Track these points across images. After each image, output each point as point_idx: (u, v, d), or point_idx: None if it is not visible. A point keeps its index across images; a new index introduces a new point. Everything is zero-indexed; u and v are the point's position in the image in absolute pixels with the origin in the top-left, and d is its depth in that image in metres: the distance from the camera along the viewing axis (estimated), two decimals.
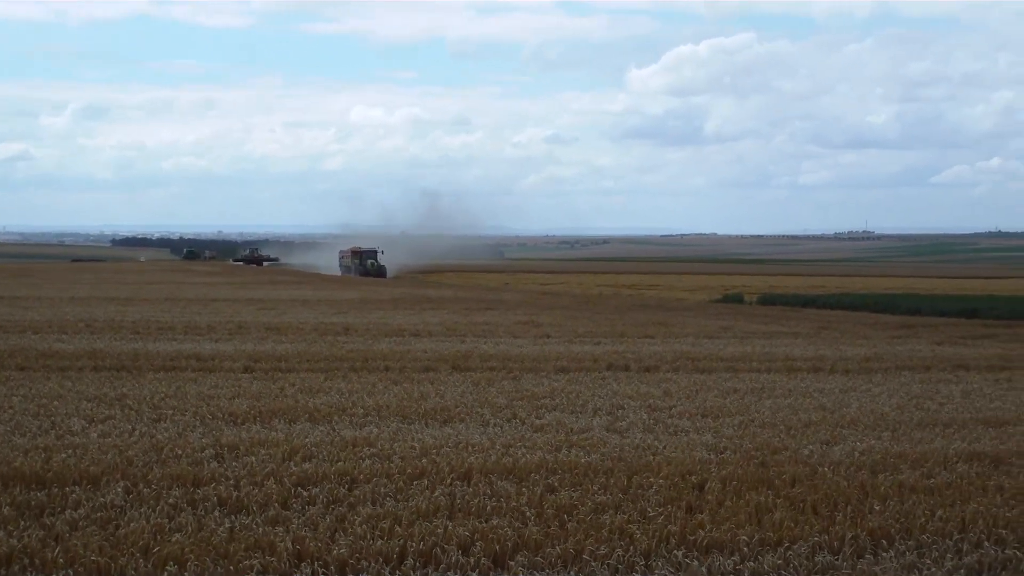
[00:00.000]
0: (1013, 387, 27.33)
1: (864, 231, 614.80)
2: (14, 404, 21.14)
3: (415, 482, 15.15)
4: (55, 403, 21.32)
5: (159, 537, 12.31)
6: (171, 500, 13.96)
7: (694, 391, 25.01)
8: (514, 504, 14.07)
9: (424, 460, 16.46)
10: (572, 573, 11.80)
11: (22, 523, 12.91)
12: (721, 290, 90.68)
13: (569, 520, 13.40)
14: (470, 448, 17.49)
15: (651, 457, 17.14)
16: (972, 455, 17.91)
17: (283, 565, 11.64)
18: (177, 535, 12.40)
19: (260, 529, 12.77)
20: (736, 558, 12.23)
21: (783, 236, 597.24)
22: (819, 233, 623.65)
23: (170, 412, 20.54)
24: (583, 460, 16.73)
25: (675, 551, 12.35)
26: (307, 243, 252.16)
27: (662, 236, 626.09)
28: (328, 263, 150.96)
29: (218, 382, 24.95)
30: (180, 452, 16.71)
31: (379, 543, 12.28)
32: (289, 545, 12.10)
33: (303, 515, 13.46)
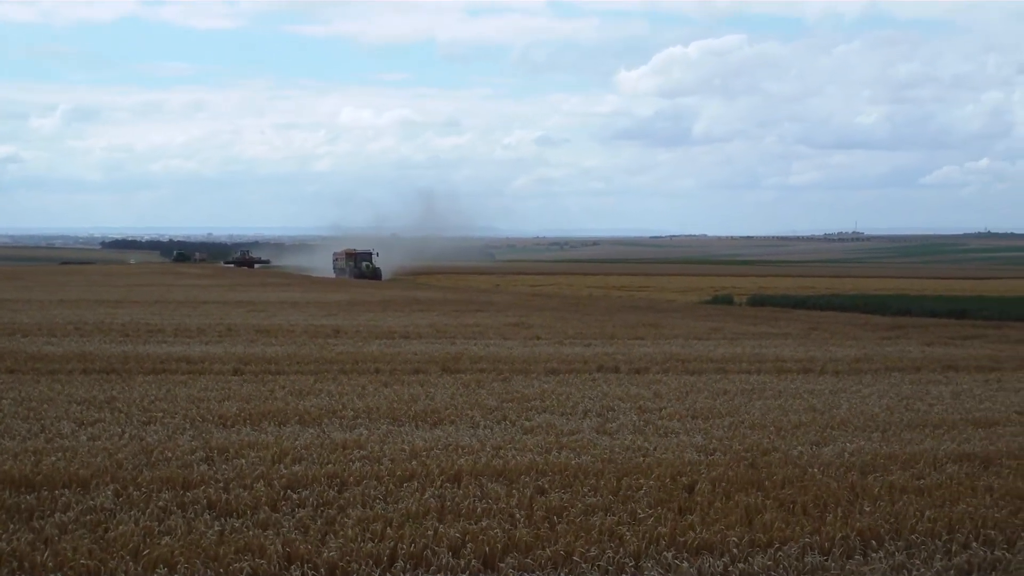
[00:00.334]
0: (1003, 388, 27.37)
1: (853, 232, 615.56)
2: (3, 407, 21.09)
3: (405, 484, 15.14)
4: (44, 406, 21.27)
5: (149, 540, 12.29)
6: (161, 503, 13.94)
7: (684, 392, 25.02)
8: (504, 506, 14.07)
9: (414, 462, 16.45)
10: (562, 575, 11.80)
11: (11, 526, 12.88)
12: (711, 291, 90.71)
13: (559, 522, 13.40)
14: (460, 450, 17.48)
15: (641, 459, 17.14)
16: (962, 456, 17.94)
17: (273, 568, 11.62)
18: (167, 538, 12.38)
19: (250, 532, 12.75)
20: (726, 559, 12.23)
21: (773, 237, 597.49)
22: (809, 234, 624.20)
23: (160, 415, 20.50)
24: (573, 462, 16.72)
25: (665, 552, 12.35)
26: (298, 245, 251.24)
27: (652, 237, 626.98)
28: (321, 265, 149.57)
29: (208, 384, 24.92)
30: (170, 455, 16.68)
31: (369, 545, 12.27)
32: (279, 548, 12.08)
33: (293, 517, 13.45)
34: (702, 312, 62.36)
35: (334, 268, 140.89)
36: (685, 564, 12.03)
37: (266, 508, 13.85)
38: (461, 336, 39.98)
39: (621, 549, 12.42)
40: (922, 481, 16.03)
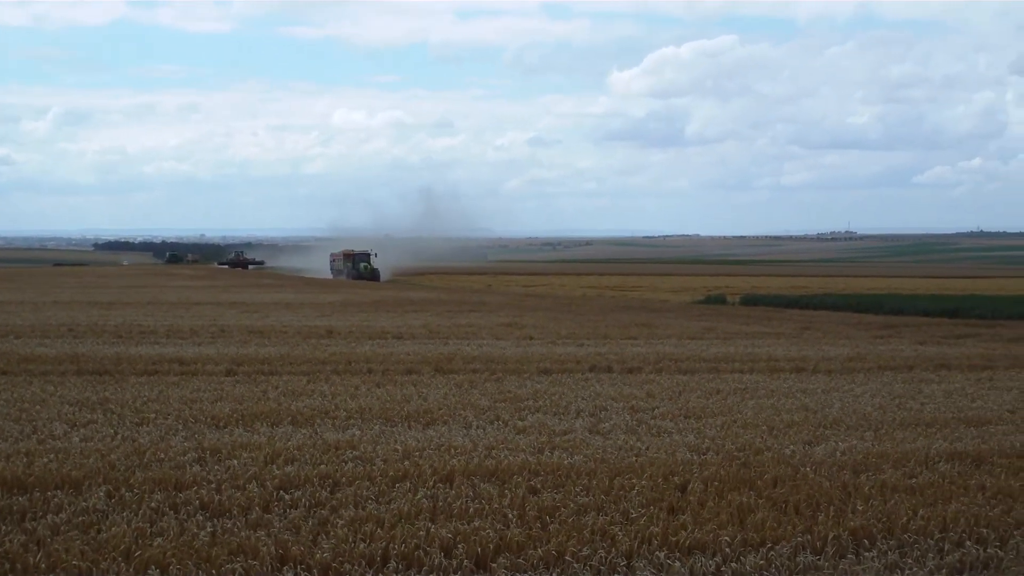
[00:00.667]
0: (995, 386, 27.39)
1: (846, 232, 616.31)
2: None
3: (397, 485, 15.13)
4: (37, 407, 21.25)
5: (141, 541, 12.27)
6: (153, 504, 13.92)
7: (677, 392, 25.02)
8: (496, 506, 14.06)
9: (406, 462, 16.45)
10: (554, 575, 11.80)
11: (3, 528, 12.86)
12: (704, 291, 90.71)
13: (551, 522, 13.40)
14: (453, 450, 17.48)
15: (634, 458, 17.14)
16: (954, 454, 17.96)
17: (265, 569, 11.62)
18: (159, 539, 12.37)
19: (242, 533, 12.73)
20: (718, 559, 12.24)
21: (765, 237, 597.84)
22: (801, 234, 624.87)
23: (152, 416, 20.48)
24: (566, 462, 16.72)
25: (657, 552, 12.36)
26: (293, 246, 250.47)
27: (645, 237, 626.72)
28: (318, 266, 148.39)
29: (200, 385, 24.90)
30: (162, 456, 16.67)
31: (362, 546, 12.26)
32: (271, 549, 12.07)
33: (285, 518, 13.44)
34: (695, 312, 62.38)
35: (331, 269, 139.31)
36: (677, 564, 12.03)
37: (259, 509, 13.84)
38: (454, 336, 39.98)
39: (613, 549, 12.42)
40: (914, 480, 16.04)
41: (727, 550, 12.49)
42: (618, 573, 11.84)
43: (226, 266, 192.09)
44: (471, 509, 13.91)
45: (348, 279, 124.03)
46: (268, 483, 15.02)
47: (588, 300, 76.87)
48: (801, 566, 12.13)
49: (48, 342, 35.16)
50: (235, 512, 13.71)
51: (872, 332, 46.27)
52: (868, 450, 18.26)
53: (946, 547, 12.85)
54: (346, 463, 16.42)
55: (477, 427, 19.94)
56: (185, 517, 13.43)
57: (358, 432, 19.13)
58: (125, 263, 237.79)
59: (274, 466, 16.11)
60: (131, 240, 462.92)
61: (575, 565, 11.95)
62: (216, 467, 16.05)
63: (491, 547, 12.34)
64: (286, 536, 12.61)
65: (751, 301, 74.51)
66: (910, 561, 12.34)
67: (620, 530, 13.05)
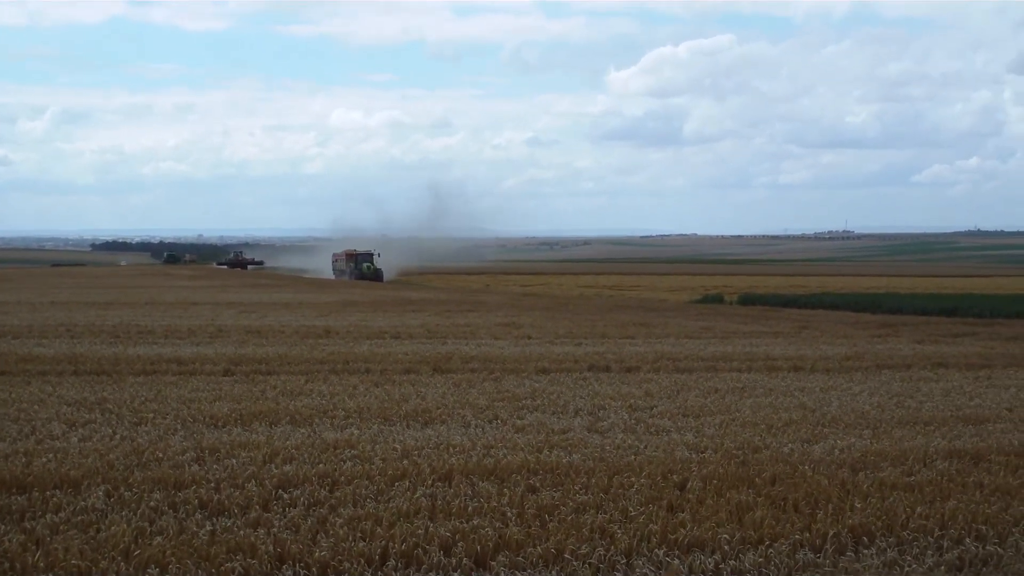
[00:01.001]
0: (993, 385, 27.40)
1: (844, 231, 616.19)
2: None
3: (396, 483, 15.14)
4: (35, 407, 21.25)
5: (140, 540, 12.28)
6: (152, 503, 13.93)
7: (675, 391, 25.03)
8: (495, 505, 14.07)
9: (405, 461, 16.45)
10: (553, 573, 11.80)
11: (2, 527, 12.87)
12: (702, 290, 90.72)
13: (550, 520, 13.40)
14: (451, 449, 17.48)
15: (632, 457, 17.14)
16: (952, 452, 17.97)
17: (264, 567, 11.62)
18: (158, 538, 12.37)
19: (241, 531, 12.74)
20: (717, 556, 12.24)
21: (763, 236, 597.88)
22: (799, 233, 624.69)
23: (151, 416, 20.49)
24: (564, 460, 16.72)
25: (656, 550, 12.36)
26: (294, 246, 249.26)
27: (642, 237, 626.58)
28: (320, 267, 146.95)
29: (199, 385, 24.90)
30: (161, 455, 16.67)
31: (360, 544, 12.27)
32: (270, 547, 12.08)
33: (284, 517, 13.44)
34: (693, 311, 62.39)
35: (334, 269, 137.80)
36: (676, 561, 12.03)
37: (257, 508, 13.85)
38: (452, 336, 39.99)
39: (612, 547, 12.42)
40: (913, 478, 16.05)
41: (726, 548, 12.50)
42: (617, 571, 11.84)
43: (225, 266, 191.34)
44: (470, 508, 13.92)
45: (351, 280, 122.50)
46: (267, 482, 15.02)
47: (586, 299, 76.88)
48: (800, 564, 12.14)
49: (46, 342, 35.16)
50: (234, 511, 13.71)
51: (870, 331, 46.27)
52: (866, 448, 18.26)
53: (945, 544, 12.87)
54: (345, 462, 16.42)
55: (475, 426, 19.95)
56: (184, 516, 13.44)
57: (356, 431, 19.13)
58: (123, 263, 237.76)
59: (272, 465, 16.12)
60: (129, 240, 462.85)
61: (574, 563, 11.95)
62: (215, 466, 16.06)
63: (490, 545, 12.34)
64: (285, 535, 12.61)
65: (749, 300, 74.50)
66: (909, 558, 12.34)
67: (619, 528, 13.05)
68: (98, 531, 12.67)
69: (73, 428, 19.09)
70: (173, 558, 11.66)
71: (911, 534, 13.20)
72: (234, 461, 16.32)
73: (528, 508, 13.91)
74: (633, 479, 15.46)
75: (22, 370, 27.30)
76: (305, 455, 16.88)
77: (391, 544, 12.28)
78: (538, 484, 15.26)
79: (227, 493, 14.44)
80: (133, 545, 12.07)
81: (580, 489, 14.98)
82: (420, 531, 12.75)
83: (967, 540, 12.97)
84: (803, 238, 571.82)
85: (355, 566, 11.69)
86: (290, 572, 11.52)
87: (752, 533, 13.02)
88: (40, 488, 14.56)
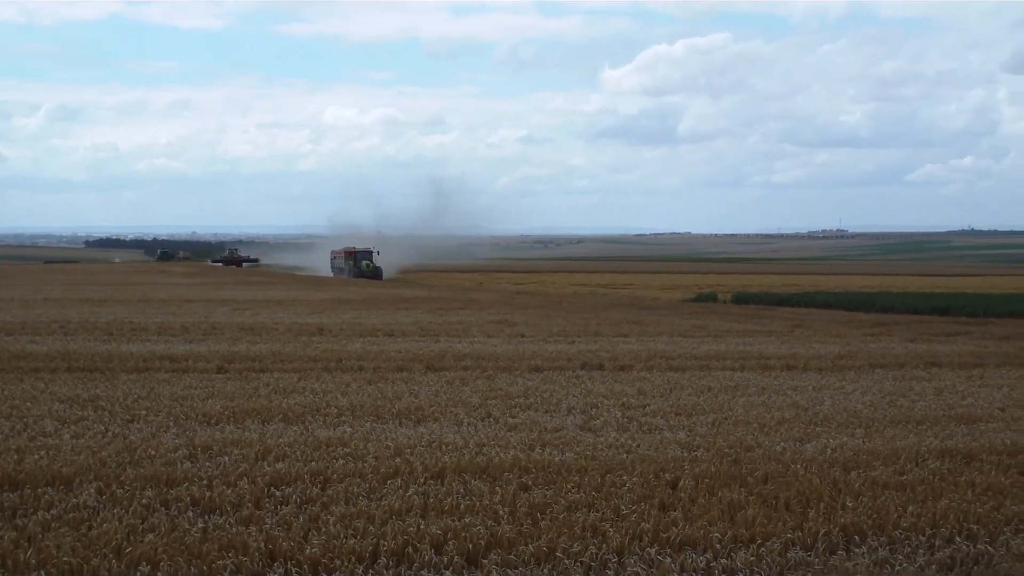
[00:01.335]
0: (985, 384, 27.43)
1: (838, 230, 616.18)
2: None
3: (388, 481, 15.15)
4: (28, 404, 21.25)
5: (132, 537, 12.28)
6: (144, 500, 13.93)
7: (668, 390, 25.05)
8: (487, 503, 14.08)
9: (398, 459, 16.46)
10: (545, 571, 11.80)
11: None
12: (695, 289, 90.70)
13: (542, 518, 13.41)
14: (444, 447, 17.49)
15: (625, 455, 17.16)
16: (944, 451, 17.99)
17: (256, 565, 11.62)
18: (150, 535, 12.38)
19: (233, 529, 12.75)
20: (709, 555, 12.26)
21: (757, 235, 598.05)
22: (793, 232, 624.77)
23: (143, 413, 20.49)
24: (557, 459, 16.74)
25: (648, 548, 12.38)
26: (289, 244, 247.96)
27: (636, 235, 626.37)
28: (317, 264, 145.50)
29: (192, 383, 24.90)
30: (153, 453, 16.68)
31: (352, 542, 12.28)
32: (262, 545, 12.08)
33: (276, 515, 13.45)
34: (686, 309, 62.40)
35: (332, 267, 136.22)
36: (668, 560, 12.04)
37: (249, 505, 13.85)
38: (445, 334, 39.98)
39: (604, 545, 12.44)
40: (905, 477, 16.07)
41: (718, 546, 12.51)
42: (609, 569, 11.84)
43: (220, 264, 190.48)
44: (462, 506, 13.93)
45: (350, 278, 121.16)
46: (259, 480, 15.03)
47: (579, 298, 76.86)
48: (791, 562, 12.15)
49: (39, 339, 35.15)
50: (226, 508, 13.72)
51: (863, 330, 46.30)
52: (859, 447, 18.29)
53: (936, 543, 12.88)
54: (337, 460, 16.44)
55: (468, 424, 19.96)
56: (176, 513, 13.44)
57: (349, 429, 19.14)
58: (117, 260, 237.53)
59: (265, 463, 16.12)
60: (122, 237, 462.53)
61: (566, 561, 11.96)
62: (207, 464, 16.06)
63: (482, 543, 12.35)
64: (277, 532, 12.62)
65: (742, 299, 74.47)
66: (900, 557, 12.36)
67: (611, 526, 13.06)
68: (90, 528, 12.67)
69: (65, 425, 19.09)
70: (165, 555, 11.66)
71: (902, 533, 13.22)
72: (226, 459, 16.33)
73: (520, 506, 13.92)
74: (625, 477, 15.47)
75: (15, 367, 27.28)
76: (298, 453, 16.90)
77: (383, 542, 12.29)
78: (530, 482, 15.27)
79: (219, 491, 14.44)
80: (125, 542, 12.07)
81: (572, 487, 14.99)
82: (412, 529, 12.76)
83: (958, 539, 13.00)
84: (797, 237, 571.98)
85: (347, 564, 11.69)
86: (281, 569, 11.52)
87: (744, 532, 13.03)
88: (32, 485, 14.56)
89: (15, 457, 16.13)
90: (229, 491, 14.43)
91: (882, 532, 13.26)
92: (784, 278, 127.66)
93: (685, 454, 17.39)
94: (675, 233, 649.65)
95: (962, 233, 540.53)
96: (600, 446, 17.93)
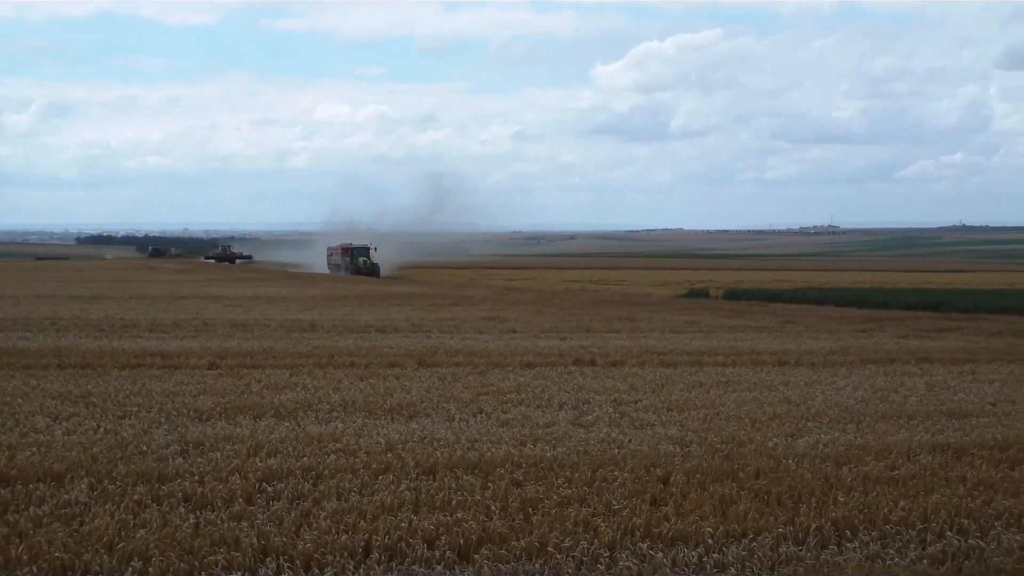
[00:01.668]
0: (976, 379, 27.46)
1: (829, 226, 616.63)
2: None
3: (380, 477, 15.15)
4: (19, 401, 21.23)
5: (123, 533, 12.28)
6: (136, 496, 13.93)
7: (660, 385, 25.06)
8: (479, 498, 14.08)
9: (389, 455, 16.46)
10: (537, 566, 11.81)
11: None
12: (687, 285, 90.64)
13: (534, 513, 13.42)
14: (436, 443, 17.50)
15: (616, 451, 17.17)
16: (935, 446, 18.02)
17: (248, 560, 11.62)
18: (142, 531, 12.38)
19: (225, 524, 12.75)
20: (701, 550, 12.27)
21: (749, 231, 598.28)
22: (785, 228, 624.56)
23: (135, 409, 20.47)
24: (548, 454, 16.74)
25: (640, 543, 12.39)
26: (283, 240, 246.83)
27: (628, 231, 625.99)
28: (312, 261, 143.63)
29: (183, 379, 24.89)
30: (145, 449, 16.67)
31: (344, 537, 12.28)
32: (254, 540, 12.08)
33: (268, 510, 13.45)
34: (678, 305, 62.38)
35: (328, 264, 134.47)
36: (660, 555, 12.06)
37: (241, 501, 13.85)
38: (437, 330, 39.98)
39: (596, 540, 12.45)
40: (896, 472, 16.09)
41: (709, 541, 12.53)
42: (601, 564, 11.86)
43: (212, 260, 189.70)
44: (454, 501, 13.93)
45: (347, 274, 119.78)
46: (251, 475, 15.03)
47: (571, 294, 76.87)
48: (783, 557, 12.17)
49: (30, 336, 35.13)
50: (218, 504, 13.72)
51: (854, 326, 46.33)
52: (850, 442, 18.30)
53: (928, 538, 12.91)
54: (329, 455, 16.43)
55: (460, 420, 19.96)
56: (168, 509, 13.44)
57: (341, 425, 19.14)
58: (109, 257, 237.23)
59: (257, 458, 16.12)
60: (113, 234, 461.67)
61: (558, 556, 11.97)
62: (199, 460, 16.06)
63: (474, 539, 12.36)
64: (268, 528, 12.63)
65: (734, 295, 74.50)
66: (892, 552, 12.38)
67: (603, 521, 13.08)
68: (81, 524, 12.67)
69: (57, 421, 19.08)
70: (156, 551, 11.66)
71: (893, 528, 13.24)
72: (218, 454, 16.33)
73: (512, 501, 13.92)
74: (617, 473, 15.48)
75: (6, 363, 27.26)
76: (289, 448, 16.90)
77: (374, 537, 12.29)
78: (522, 478, 15.28)
79: (211, 486, 14.44)
80: (117, 538, 12.07)
81: (564, 483, 15.00)
82: (404, 524, 12.76)
83: (949, 534, 13.02)
84: (788, 233, 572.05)
85: (338, 559, 11.69)
86: (273, 565, 11.53)
87: (735, 526, 13.05)
88: (24, 481, 14.56)
89: (7, 453, 16.12)
90: (221, 487, 14.43)
91: (873, 527, 13.29)
92: (776, 274, 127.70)
93: (677, 449, 17.40)
94: (667, 229, 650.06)
95: (953, 229, 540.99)
96: (592, 441, 17.94)
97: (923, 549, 12.52)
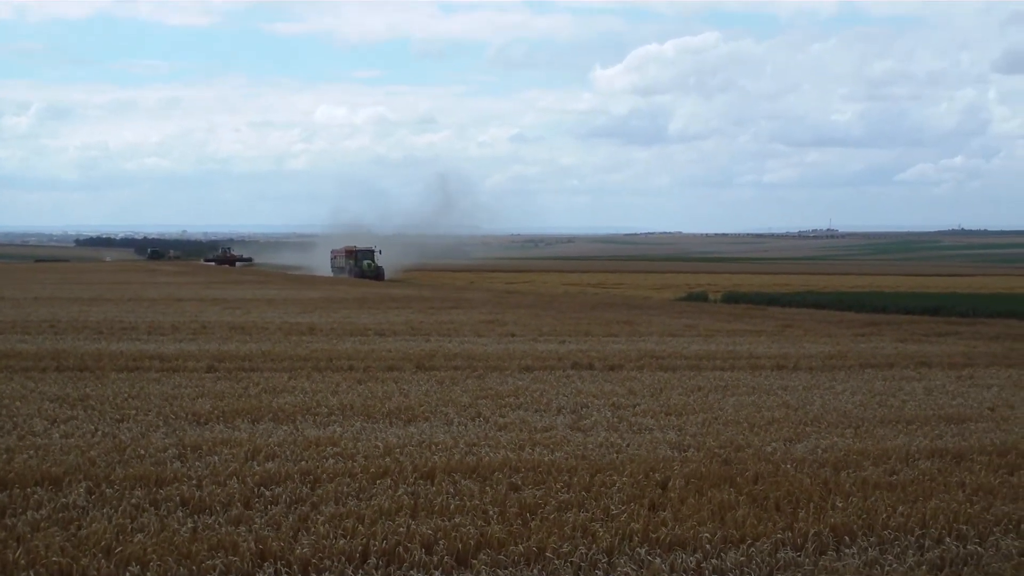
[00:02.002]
0: (975, 384, 27.46)
1: (828, 229, 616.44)
2: None
3: (378, 481, 15.14)
4: (17, 404, 21.21)
5: (121, 537, 12.27)
6: (134, 500, 13.91)
7: (658, 389, 25.05)
8: (477, 503, 14.07)
9: (387, 459, 16.45)
10: (535, 571, 11.80)
11: None
12: (685, 288, 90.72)
13: (532, 518, 13.40)
14: (434, 447, 17.49)
15: (615, 455, 17.16)
16: (934, 451, 18.01)
17: (246, 565, 11.61)
18: (139, 535, 12.36)
19: (223, 529, 12.74)
20: (699, 555, 12.26)
21: (747, 234, 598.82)
22: (783, 231, 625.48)
23: (133, 412, 20.46)
24: (547, 459, 16.73)
25: (638, 549, 12.38)
26: (285, 242, 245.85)
27: (627, 235, 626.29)
28: (315, 263, 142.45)
29: (181, 382, 24.88)
30: (143, 452, 16.66)
31: (342, 542, 12.27)
32: (252, 545, 12.07)
33: (266, 515, 13.43)
34: (677, 309, 62.41)
35: (332, 267, 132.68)
36: (658, 560, 12.04)
37: (239, 505, 13.84)
38: (435, 333, 39.98)
39: (594, 545, 12.43)
40: (895, 477, 16.08)
41: (708, 547, 12.51)
42: (599, 570, 11.84)
43: (212, 263, 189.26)
44: (452, 506, 13.92)
45: (351, 278, 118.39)
46: (249, 479, 15.01)
47: (570, 297, 76.86)
48: (781, 563, 12.15)
49: (29, 338, 35.11)
50: (216, 508, 13.70)
51: (853, 330, 46.34)
52: (849, 447, 18.29)
53: (926, 544, 12.89)
54: (327, 459, 16.42)
55: (458, 424, 19.95)
56: (166, 513, 13.43)
57: (339, 429, 19.13)
58: (108, 259, 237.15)
59: (255, 462, 16.11)
60: (112, 236, 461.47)
61: (556, 561, 11.96)
62: (197, 463, 16.04)
63: (472, 543, 12.34)
64: (266, 532, 12.61)
65: (733, 299, 74.51)
66: (890, 558, 12.37)
67: (601, 527, 13.06)
68: (79, 528, 12.65)
69: (55, 424, 19.07)
70: (154, 555, 11.64)
71: (892, 533, 13.23)
72: (216, 458, 16.31)
73: (510, 506, 13.91)
74: (615, 477, 15.47)
75: (4, 366, 27.24)
76: (287, 452, 16.88)
77: (372, 542, 12.28)
78: (520, 482, 15.27)
79: (209, 490, 14.42)
80: (114, 542, 12.06)
81: (562, 487, 14.99)
82: (402, 529, 12.75)
83: (948, 540, 13.00)
84: (787, 237, 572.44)
85: (336, 564, 11.68)
86: (271, 569, 11.51)
87: (734, 532, 13.03)
88: (21, 485, 14.54)
89: (4, 457, 16.11)
90: (219, 491, 14.42)
91: (872, 532, 13.27)
92: (774, 278, 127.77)
93: (675, 454, 17.38)
94: (665, 233, 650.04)
95: (952, 233, 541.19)
96: (590, 446, 17.93)
97: (922, 555, 12.51)
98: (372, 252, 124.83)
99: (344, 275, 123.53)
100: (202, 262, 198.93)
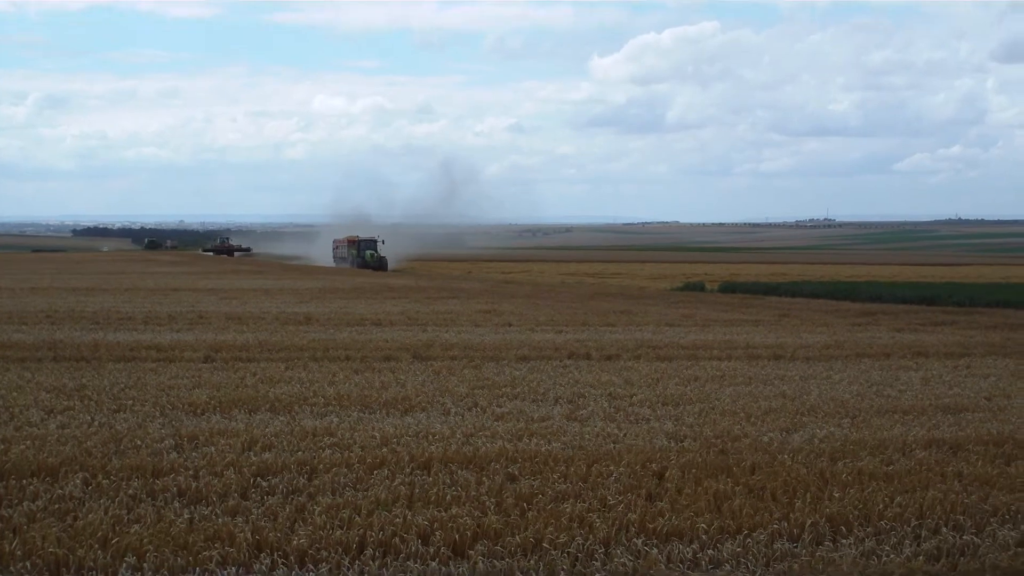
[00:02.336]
0: (972, 374, 27.47)
1: (825, 219, 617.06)
2: None
3: (375, 471, 15.14)
4: (13, 394, 21.19)
5: (118, 528, 12.26)
6: (130, 491, 13.91)
7: (655, 379, 25.05)
8: (474, 493, 14.07)
9: (384, 449, 16.45)
10: (532, 562, 11.79)
11: None
12: (682, 278, 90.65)
13: (529, 509, 13.40)
14: (431, 437, 17.48)
15: (611, 445, 17.16)
16: (931, 442, 18.01)
17: (242, 555, 11.60)
18: (136, 526, 12.36)
19: (219, 519, 12.73)
20: (695, 546, 12.26)
21: (744, 224, 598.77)
22: (780, 221, 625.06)
23: (130, 403, 20.45)
24: (543, 449, 16.73)
25: (634, 539, 12.38)
26: (285, 232, 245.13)
27: (624, 224, 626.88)
28: (317, 253, 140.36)
29: (178, 372, 24.86)
30: (139, 443, 16.65)
31: (339, 533, 12.27)
32: (248, 535, 12.07)
33: (263, 505, 13.43)
34: (674, 299, 62.40)
35: (334, 257, 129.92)
36: (655, 550, 12.05)
37: (236, 496, 13.84)
38: (432, 323, 39.96)
39: (591, 536, 12.43)
40: (891, 467, 16.09)
41: (704, 537, 12.51)
42: (595, 560, 11.84)
43: (211, 253, 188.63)
44: (449, 496, 13.92)
45: (353, 268, 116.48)
46: (245, 470, 15.01)
47: (567, 287, 76.81)
48: (778, 553, 12.16)
49: (25, 328, 35.09)
50: (212, 499, 13.70)
51: (850, 319, 46.35)
52: (845, 437, 18.30)
53: (923, 534, 12.90)
54: (324, 450, 16.41)
55: (455, 414, 19.95)
56: (162, 504, 13.43)
57: (336, 419, 19.12)
58: (105, 249, 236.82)
59: (251, 453, 16.11)
60: (109, 226, 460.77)
61: (552, 552, 11.95)
62: (193, 454, 16.05)
63: (468, 534, 12.34)
64: (263, 523, 12.61)
65: (729, 288, 74.51)
66: (887, 548, 12.37)
67: (598, 517, 13.06)
68: (75, 519, 12.64)
69: (51, 415, 19.06)
70: (151, 546, 11.64)
71: (889, 524, 13.23)
72: (213, 449, 16.31)
73: (507, 497, 13.91)
74: (612, 468, 15.47)
75: (1, 356, 27.22)
76: (284, 443, 16.88)
77: (369, 532, 12.28)
78: (517, 472, 15.27)
79: (205, 481, 14.42)
80: (111, 533, 12.05)
81: (559, 478, 14.99)
82: (398, 519, 12.75)
83: (944, 530, 13.02)
84: (784, 226, 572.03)
85: (333, 554, 11.68)
86: (268, 560, 11.51)
87: (730, 522, 13.04)
88: (17, 476, 14.54)
89: (1, 447, 16.09)
90: (215, 481, 14.42)
91: (868, 523, 13.28)
92: (771, 267, 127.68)
93: (672, 444, 17.39)
94: (663, 222, 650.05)
95: (949, 222, 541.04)
96: (587, 436, 17.93)
97: (918, 545, 12.52)
98: (375, 242, 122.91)
99: (347, 265, 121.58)
100: (200, 252, 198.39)
